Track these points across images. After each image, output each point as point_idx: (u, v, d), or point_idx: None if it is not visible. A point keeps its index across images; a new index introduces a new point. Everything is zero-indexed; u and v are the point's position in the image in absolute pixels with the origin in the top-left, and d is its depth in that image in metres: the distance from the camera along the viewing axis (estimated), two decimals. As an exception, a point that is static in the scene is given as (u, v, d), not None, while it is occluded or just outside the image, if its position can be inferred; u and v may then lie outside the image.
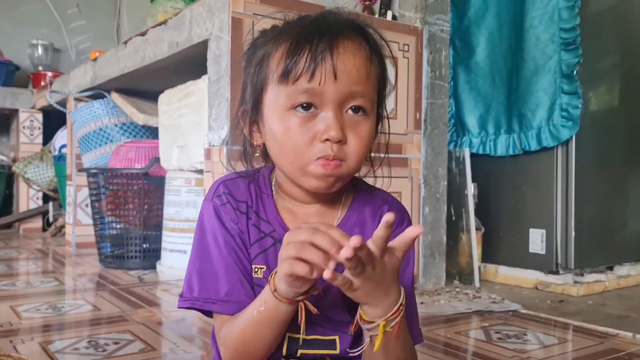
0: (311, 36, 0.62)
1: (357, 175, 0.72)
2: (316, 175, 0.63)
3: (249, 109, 0.69)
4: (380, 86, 0.68)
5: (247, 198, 0.69)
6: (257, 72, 0.67)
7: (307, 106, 0.62)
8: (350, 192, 0.71)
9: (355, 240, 0.51)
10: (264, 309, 0.61)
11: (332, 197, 0.70)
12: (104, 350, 1.15)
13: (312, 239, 0.54)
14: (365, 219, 0.70)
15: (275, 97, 0.64)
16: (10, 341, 1.20)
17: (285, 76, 0.62)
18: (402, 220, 0.69)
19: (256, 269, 0.67)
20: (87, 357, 1.11)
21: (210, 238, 0.68)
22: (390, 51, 0.70)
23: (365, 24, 0.67)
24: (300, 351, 0.66)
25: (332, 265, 0.53)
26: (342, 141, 0.62)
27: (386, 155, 0.74)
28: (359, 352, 0.63)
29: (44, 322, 1.37)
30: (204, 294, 0.67)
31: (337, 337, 0.66)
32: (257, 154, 0.71)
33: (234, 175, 0.72)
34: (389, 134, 0.72)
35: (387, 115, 0.72)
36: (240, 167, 0.74)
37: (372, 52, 0.65)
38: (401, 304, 0.58)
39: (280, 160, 0.66)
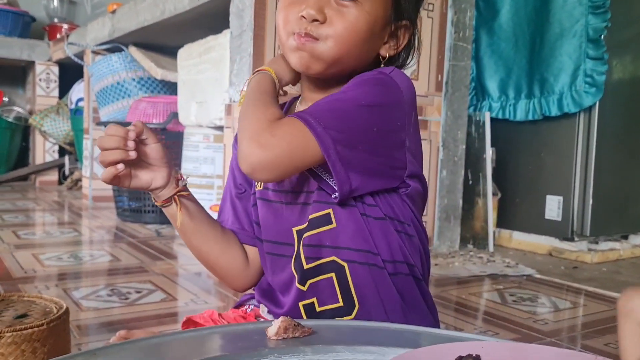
0: None
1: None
2: (291, 49, 0.62)
3: None
4: None
5: None
6: None
7: None
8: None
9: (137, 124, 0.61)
10: (169, 218, 0.69)
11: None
12: (127, 298, 1.17)
13: (99, 144, 0.61)
14: None
15: None
16: (35, 287, 1.23)
17: None
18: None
19: (258, 183, 0.69)
20: (112, 304, 1.14)
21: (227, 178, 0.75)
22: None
23: None
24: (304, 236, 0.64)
25: (130, 145, 0.60)
26: (317, 20, 0.60)
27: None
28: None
29: (65, 270, 1.40)
30: (220, 219, 0.73)
31: (330, 210, 0.63)
32: None
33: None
34: (415, 46, 0.68)
35: (417, 28, 0.68)
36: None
37: None
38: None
39: (279, 38, 0.66)
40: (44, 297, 0.79)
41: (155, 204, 0.67)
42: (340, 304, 0.62)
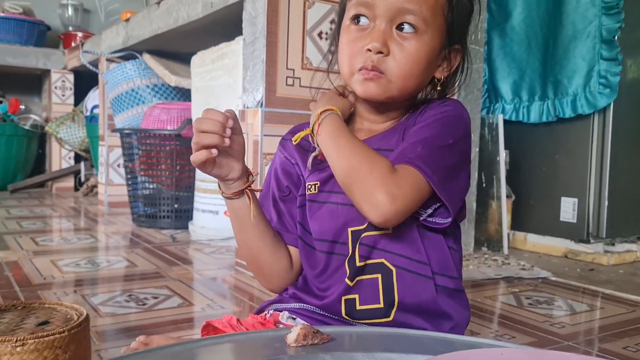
0: None
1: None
2: (359, 83, 0.66)
3: (336, 38, 0.74)
4: (447, 6, 0.67)
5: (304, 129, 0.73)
6: (340, 4, 0.74)
7: (360, 19, 0.67)
8: (417, 107, 0.71)
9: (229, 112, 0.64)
10: (229, 212, 0.71)
11: (403, 111, 0.71)
12: (144, 304, 1.19)
13: (198, 126, 0.63)
14: (416, 115, 0.69)
15: (346, 13, 0.69)
16: (54, 293, 1.25)
17: None
18: (444, 102, 0.69)
19: (310, 186, 0.72)
20: (129, 310, 1.15)
21: (268, 177, 0.78)
22: None
23: None
24: (362, 235, 0.67)
25: (227, 131, 0.63)
26: (382, 53, 0.64)
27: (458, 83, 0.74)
28: None
29: (84, 276, 1.42)
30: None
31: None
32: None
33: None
34: (467, 67, 0.72)
35: (467, 50, 0.72)
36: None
37: None
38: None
39: (341, 70, 0.70)
40: (64, 304, 0.80)
41: (222, 195, 0.70)
42: (381, 305, 0.66)
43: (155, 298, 1.23)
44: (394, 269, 0.65)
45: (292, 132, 0.77)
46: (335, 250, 0.68)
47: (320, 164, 0.70)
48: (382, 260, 0.66)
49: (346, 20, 0.69)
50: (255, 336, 0.49)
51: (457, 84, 0.73)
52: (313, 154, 0.69)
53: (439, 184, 0.61)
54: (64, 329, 0.70)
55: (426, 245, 0.66)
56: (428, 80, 0.70)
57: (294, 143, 0.73)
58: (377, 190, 0.59)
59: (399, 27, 0.65)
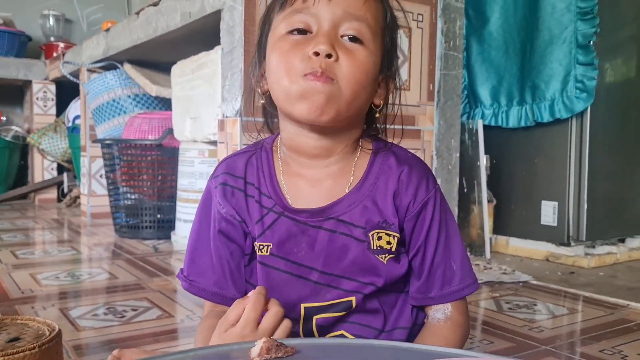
0: None
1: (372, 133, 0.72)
2: (304, 94, 0.60)
3: (257, 59, 0.69)
4: (385, 30, 0.66)
5: (245, 174, 0.69)
6: (264, 17, 0.69)
7: (302, 30, 0.62)
8: (364, 151, 0.69)
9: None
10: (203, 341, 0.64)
11: (345, 151, 0.67)
12: (123, 317, 1.18)
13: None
14: (381, 184, 0.67)
15: (275, 28, 0.64)
16: (32, 307, 1.24)
17: (284, 2, 0.64)
18: (420, 184, 0.67)
19: (261, 247, 0.67)
20: (107, 323, 1.14)
21: (204, 222, 0.70)
22: (404, 13, 0.71)
23: None
24: (315, 317, 0.67)
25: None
26: (332, 56, 0.59)
27: (402, 128, 0.74)
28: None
29: (63, 289, 1.40)
30: (194, 276, 0.70)
31: (353, 298, 0.67)
32: (263, 101, 0.70)
33: (235, 153, 0.73)
34: (399, 91, 0.71)
35: (399, 81, 0.70)
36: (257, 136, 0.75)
37: None
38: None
39: (276, 90, 0.63)
40: (37, 319, 0.79)
41: None
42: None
43: (135, 310, 1.23)
44: (352, 337, 0.67)
45: (229, 170, 0.69)
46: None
47: (274, 223, 0.66)
48: (342, 332, 0.67)
49: (278, 33, 0.63)
50: (219, 350, 0.49)
51: (384, 118, 0.70)
52: None
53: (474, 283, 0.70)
54: (34, 345, 0.70)
55: (387, 311, 0.69)
56: (368, 101, 0.66)
57: None
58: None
59: (346, 37, 0.61)
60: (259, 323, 0.56)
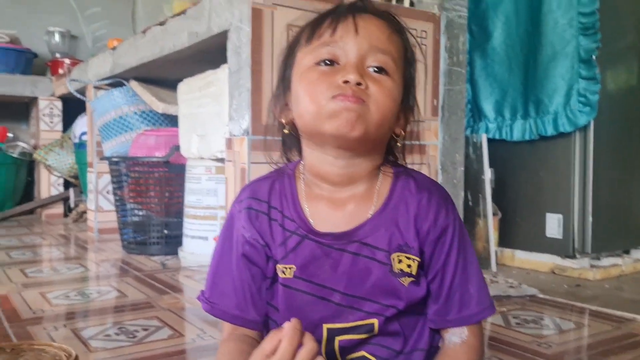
0: (335, 8, 0.69)
1: (391, 158, 0.75)
2: (335, 112, 0.62)
3: (281, 90, 0.72)
4: (406, 64, 0.69)
5: (269, 198, 0.71)
6: (288, 51, 0.71)
7: (329, 62, 0.65)
8: (385, 175, 0.72)
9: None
10: None
11: (368, 176, 0.70)
12: (134, 337, 1.19)
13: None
14: (402, 209, 0.69)
15: (301, 60, 0.67)
16: (44, 328, 1.25)
17: (311, 37, 0.67)
18: (439, 210, 0.69)
19: (284, 269, 0.69)
20: (119, 343, 1.15)
21: (227, 245, 0.73)
22: (418, 44, 0.75)
23: (392, 11, 0.71)
24: (337, 338, 0.69)
25: None
26: (361, 84, 0.63)
27: (411, 143, 0.76)
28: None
29: (73, 309, 1.42)
30: (215, 298, 0.73)
31: (376, 321, 0.68)
32: (286, 131, 0.72)
33: (258, 178, 0.75)
34: (418, 121, 0.75)
35: (417, 105, 0.74)
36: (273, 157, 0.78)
37: (395, 28, 0.69)
38: None
39: (301, 116, 0.66)
40: (53, 344, 0.81)
41: None
42: None
43: (146, 330, 1.24)
44: (373, 359, 0.69)
45: (253, 195, 0.72)
46: None
47: (298, 245, 0.69)
48: (363, 353, 0.69)
49: (305, 65, 0.66)
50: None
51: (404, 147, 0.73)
52: None
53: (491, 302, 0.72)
54: (54, 372, 0.71)
55: (408, 333, 0.70)
56: (390, 129, 0.69)
57: None
58: None
59: (372, 69, 0.65)
60: (293, 356, 0.57)
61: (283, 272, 0.69)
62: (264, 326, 0.73)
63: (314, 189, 0.71)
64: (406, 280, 0.68)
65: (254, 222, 0.70)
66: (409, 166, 0.76)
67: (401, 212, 0.69)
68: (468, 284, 0.70)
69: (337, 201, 0.69)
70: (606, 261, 1.89)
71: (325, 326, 0.67)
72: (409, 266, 0.68)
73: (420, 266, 0.69)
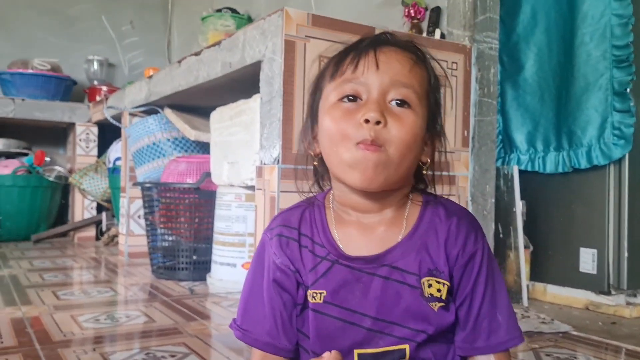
0: (358, 42, 0.70)
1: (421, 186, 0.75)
2: (355, 163, 0.64)
3: (309, 123, 0.74)
4: (430, 93, 0.70)
5: (299, 226, 0.72)
6: (315, 85, 0.74)
7: (352, 98, 0.66)
8: (415, 202, 0.73)
9: None
10: None
11: (397, 205, 0.71)
12: (162, 363, 1.20)
13: None
14: (431, 234, 0.70)
15: (327, 96, 0.69)
16: (74, 351, 1.27)
17: (334, 73, 0.69)
18: (469, 235, 0.70)
19: (315, 294, 0.70)
20: (146, 369, 1.16)
21: (258, 273, 0.74)
22: (445, 72, 0.75)
23: (415, 41, 0.72)
24: None
25: None
26: (380, 123, 0.63)
27: (440, 173, 0.76)
28: None
29: (102, 333, 1.43)
30: (247, 325, 0.73)
31: (407, 346, 0.68)
32: (315, 163, 0.75)
33: (289, 208, 0.76)
34: (445, 151, 0.75)
35: (443, 132, 0.74)
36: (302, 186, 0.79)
37: (417, 58, 0.69)
38: None
39: (329, 155, 0.68)
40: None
41: None
42: None
43: (173, 356, 1.24)
44: None
45: (284, 223, 0.73)
46: None
47: (328, 270, 0.70)
48: None
49: (330, 101, 0.68)
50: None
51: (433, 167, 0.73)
52: None
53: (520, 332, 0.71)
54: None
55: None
56: (416, 162, 0.70)
57: None
58: None
59: (395, 102, 0.66)
60: None
61: (313, 298, 0.69)
62: (295, 354, 0.73)
63: (343, 216, 0.72)
64: (436, 306, 0.68)
65: (284, 248, 0.72)
66: (439, 195, 0.77)
67: (431, 237, 0.70)
68: (496, 311, 0.69)
69: (367, 226, 0.71)
70: (643, 298, 1.83)
71: (356, 352, 0.67)
72: (438, 290, 0.68)
73: (450, 292, 0.70)
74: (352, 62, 0.67)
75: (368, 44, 0.68)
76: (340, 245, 0.70)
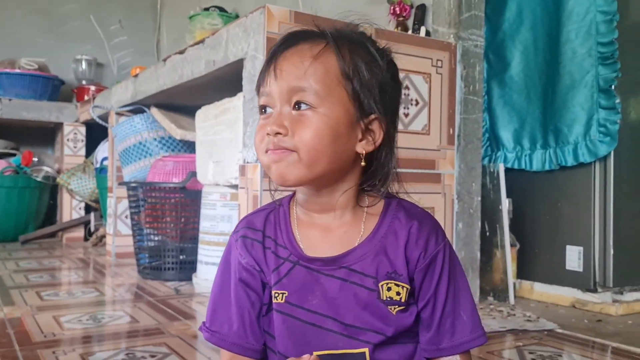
0: (275, 47, 0.69)
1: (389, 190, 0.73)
2: (267, 166, 0.67)
3: None
4: (345, 79, 0.66)
5: (264, 228, 0.73)
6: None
7: (266, 110, 0.68)
8: (374, 204, 0.72)
9: None
10: None
11: (351, 206, 0.70)
12: (141, 363, 1.18)
13: None
14: (391, 237, 0.69)
15: None
16: (53, 352, 1.25)
17: (258, 86, 0.70)
18: (430, 237, 0.69)
19: (277, 294, 0.70)
20: (125, 370, 1.15)
21: (226, 274, 0.74)
22: (386, 56, 0.70)
23: (323, 27, 0.69)
24: None
25: None
26: (280, 133, 0.64)
27: (395, 171, 0.72)
28: None
29: (84, 333, 1.42)
30: (215, 327, 0.74)
31: (366, 350, 0.68)
32: None
33: (255, 210, 0.77)
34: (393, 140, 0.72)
35: (382, 118, 0.68)
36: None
37: (325, 51, 0.66)
38: None
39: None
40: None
41: None
42: None
43: (153, 357, 1.23)
44: None
45: (249, 225, 0.74)
46: None
47: (290, 271, 0.70)
48: None
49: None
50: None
51: (387, 160, 0.70)
52: None
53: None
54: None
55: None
56: (347, 155, 0.67)
57: None
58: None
59: (295, 107, 0.65)
60: None
61: (276, 298, 0.70)
62: (263, 354, 0.73)
63: (305, 218, 0.73)
64: (394, 309, 0.68)
65: (249, 249, 0.72)
66: (415, 195, 0.76)
67: (390, 240, 0.69)
68: (460, 310, 0.70)
69: (327, 228, 0.71)
70: (629, 296, 1.83)
71: (316, 354, 0.67)
72: (398, 293, 0.68)
73: (411, 294, 0.70)
74: (262, 74, 0.69)
75: (273, 51, 0.68)
76: (302, 246, 0.71)
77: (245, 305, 0.72)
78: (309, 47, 0.66)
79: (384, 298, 0.68)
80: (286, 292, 0.69)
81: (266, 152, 0.66)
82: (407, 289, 0.68)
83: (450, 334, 0.69)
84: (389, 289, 0.68)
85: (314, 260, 0.69)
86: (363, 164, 0.69)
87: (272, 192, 0.75)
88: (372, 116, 0.68)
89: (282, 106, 0.66)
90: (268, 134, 0.65)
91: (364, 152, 0.68)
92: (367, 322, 0.68)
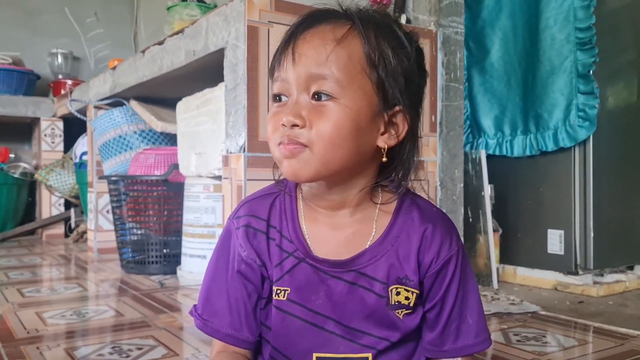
0: (288, 30, 0.64)
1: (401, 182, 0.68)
2: (280, 161, 0.62)
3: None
4: (370, 67, 0.61)
5: (268, 216, 0.68)
6: (269, 78, 0.69)
7: (279, 98, 0.63)
8: (387, 202, 0.68)
9: None
10: None
11: (363, 203, 0.66)
12: (128, 356, 1.17)
13: None
14: (404, 240, 0.66)
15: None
16: (37, 347, 1.23)
17: (272, 70, 0.65)
18: (444, 242, 0.67)
19: (279, 291, 0.67)
20: (112, 363, 1.14)
21: (222, 261, 0.70)
22: (413, 39, 0.65)
23: (352, 8, 0.64)
24: None
25: None
26: (297, 125, 0.59)
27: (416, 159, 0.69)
28: None
29: (68, 329, 1.40)
30: (208, 315, 0.70)
31: (369, 355, 0.66)
32: None
33: (258, 194, 0.71)
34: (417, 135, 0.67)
35: (407, 110, 0.64)
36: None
37: (349, 34, 0.61)
38: None
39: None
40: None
41: None
42: None
43: (140, 349, 1.22)
44: None
45: (253, 212, 0.68)
46: None
47: (294, 268, 0.66)
48: None
49: (271, 102, 0.65)
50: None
51: (411, 154, 0.65)
52: None
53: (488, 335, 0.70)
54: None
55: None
56: (367, 149, 0.63)
57: None
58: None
59: (315, 97, 0.60)
60: None
61: (277, 294, 0.67)
62: (257, 345, 0.71)
63: (313, 211, 0.68)
64: (401, 313, 0.66)
65: (251, 240, 0.67)
66: (415, 194, 0.71)
67: (402, 243, 0.66)
68: (467, 314, 0.68)
69: (336, 225, 0.67)
70: (610, 277, 1.86)
71: (315, 355, 0.65)
72: (407, 298, 0.65)
73: (419, 297, 0.67)
74: (278, 57, 0.63)
75: (292, 31, 0.63)
76: (309, 243, 0.67)
77: (242, 297, 0.68)
78: (332, 28, 0.61)
79: (392, 303, 0.65)
80: (289, 289, 0.66)
81: (279, 144, 0.61)
82: (416, 294, 0.66)
83: (455, 336, 0.67)
84: (397, 293, 0.65)
85: (322, 261, 0.66)
86: (384, 159, 0.64)
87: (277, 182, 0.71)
88: (397, 108, 0.63)
89: (299, 94, 0.61)
90: (283, 124, 0.60)
91: (385, 146, 0.63)
92: (373, 328, 0.66)
